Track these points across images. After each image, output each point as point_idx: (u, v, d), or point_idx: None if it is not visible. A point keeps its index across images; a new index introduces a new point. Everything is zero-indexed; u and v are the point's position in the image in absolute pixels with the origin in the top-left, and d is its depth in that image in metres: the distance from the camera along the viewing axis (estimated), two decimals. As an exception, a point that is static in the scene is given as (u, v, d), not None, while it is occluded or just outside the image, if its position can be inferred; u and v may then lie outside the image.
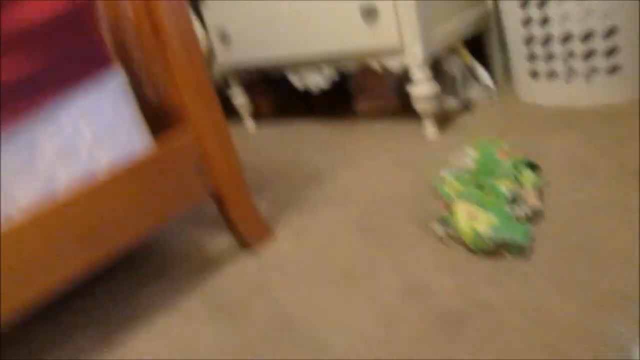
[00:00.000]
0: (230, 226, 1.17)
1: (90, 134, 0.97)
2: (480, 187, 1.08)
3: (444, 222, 1.04)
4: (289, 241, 1.19)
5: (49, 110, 0.92)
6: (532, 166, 1.14)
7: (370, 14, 1.44)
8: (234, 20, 1.79)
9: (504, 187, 1.04)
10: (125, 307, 1.11)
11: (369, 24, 1.46)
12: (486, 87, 1.70)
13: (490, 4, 1.75)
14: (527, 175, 1.10)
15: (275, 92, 2.11)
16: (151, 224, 1.00)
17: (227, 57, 1.89)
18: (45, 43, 0.88)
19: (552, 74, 1.46)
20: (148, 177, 0.99)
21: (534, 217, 1.01)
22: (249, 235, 1.18)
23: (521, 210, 1.01)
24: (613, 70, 1.37)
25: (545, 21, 1.40)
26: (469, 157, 1.19)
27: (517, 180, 1.08)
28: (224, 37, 1.85)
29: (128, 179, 0.96)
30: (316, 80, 1.72)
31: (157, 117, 1.15)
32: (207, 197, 1.11)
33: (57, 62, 0.90)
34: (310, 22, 1.59)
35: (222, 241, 1.26)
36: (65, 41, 0.91)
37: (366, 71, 1.86)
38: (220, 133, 1.10)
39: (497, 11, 1.76)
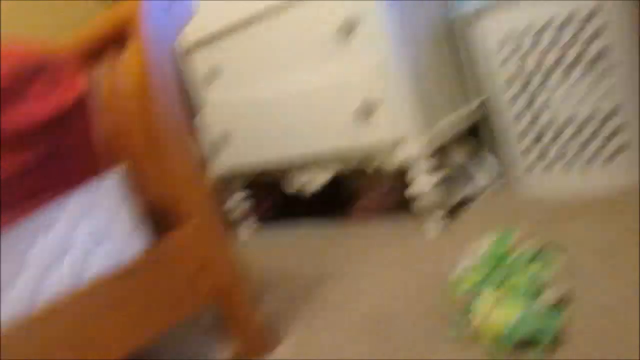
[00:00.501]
0: (232, 332, 1.09)
1: (84, 235, 0.92)
2: (496, 280, 1.02)
3: (458, 320, 0.97)
4: (291, 352, 1.10)
5: (41, 214, 0.88)
6: (549, 253, 1.08)
7: (367, 113, 1.45)
8: (231, 122, 1.81)
9: (522, 278, 0.98)
10: None
11: (366, 123, 1.46)
12: (490, 177, 1.67)
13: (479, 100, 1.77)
14: (547, 263, 1.04)
15: (276, 192, 2.11)
16: (150, 334, 0.93)
17: (227, 161, 1.90)
18: (39, 142, 0.86)
19: (548, 166, 1.45)
20: (144, 280, 0.93)
21: (561, 305, 0.94)
22: (251, 343, 1.10)
23: (546, 300, 0.94)
24: (615, 153, 1.35)
25: (536, 116, 1.41)
26: (482, 249, 1.13)
27: (534, 271, 1.02)
28: (224, 138, 1.86)
29: (126, 280, 0.91)
30: (312, 184, 1.71)
31: (163, 217, 1.11)
32: (208, 302, 1.04)
33: (48, 158, 0.88)
34: (306, 124, 1.61)
35: (219, 353, 1.17)
36: (61, 139, 0.89)
37: (362, 173, 1.86)
38: (217, 231, 1.06)
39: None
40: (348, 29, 1.43)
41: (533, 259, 1.05)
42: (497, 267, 1.08)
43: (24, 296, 0.84)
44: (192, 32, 1.82)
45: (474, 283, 1.04)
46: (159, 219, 1.10)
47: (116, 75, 1.13)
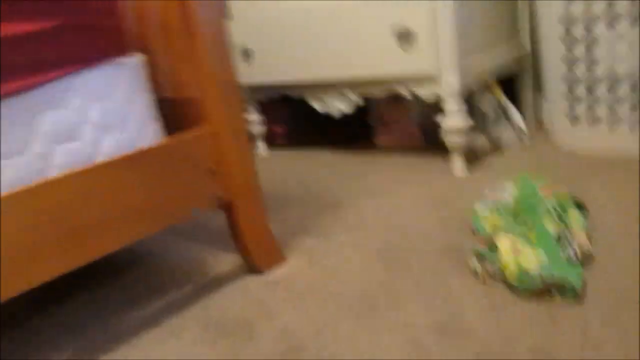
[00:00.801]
0: (239, 242, 1.05)
1: (97, 116, 0.86)
2: (521, 223, 0.97)
3: (482, 257, 0.93)
4: (301, 266, 1.06)
5: (55, 84, 0.82)
6: (579, 206, 1.03)
7: (406, 38, 1.36)
8: (258, 38, 1.72)
9: (551, 225, 0.93)
10: (112, 327, 0.97)
11: (404, 48, 1.38)
12: (518, 128, 1.61)
13: (528, 44, 1.68)
14: (574, 215, 0.99)
15: (290, 117, 2.02)
16: (153, 225, 0.88)
17: (247, 75, 1.81)
18: (59, 5, 0.79)
19: (594, 120, 1.37)
20: (154, 169, 0.88)
21: (584, 259, 0.89)
22: (258, 255, 1.06)
23: (570, 251, 0.89)
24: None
25: (592, 63, 1.32)
26: (507, 191, 1.08)
27: (562, 219, 0.97)
28: (246, 55, 1.77)
29: (130, 168, 0.85)
30: (338, 106, 1.64)
31: (172, 114, 1.05)
32: (216, 205, 0.99)
33: (69, 27, 0.81)
34: (338, 45, 1.51)
35: (226, 260, 1.13)
36: (82, 6, 0.82)
37: (389, 102, 1.79)
38: (239, 137, 1.00)
39: (534, 52, 1.69)
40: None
41: (562, 209, 1.00)
42: (523, 211, 1.03)
43: (33, 164, 0.79)
44: None
45: (498, 223, 1.00)
46: (177, 113, 1.04)
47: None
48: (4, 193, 0.72)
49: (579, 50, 1.33)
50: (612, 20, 1.26)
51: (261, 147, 2.03)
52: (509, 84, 1.72)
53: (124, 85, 0.90)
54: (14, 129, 0.78)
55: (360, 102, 1.59)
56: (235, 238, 1.05)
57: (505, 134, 1.60)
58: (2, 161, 0.76)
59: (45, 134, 0.81)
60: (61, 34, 0.81)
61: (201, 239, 1.27)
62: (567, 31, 1.34)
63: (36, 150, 0.80)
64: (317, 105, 1.70)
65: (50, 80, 0.81)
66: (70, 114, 0.84)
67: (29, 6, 0.77)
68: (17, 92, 0.78)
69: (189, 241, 1.27)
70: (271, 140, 2.07)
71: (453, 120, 1.38)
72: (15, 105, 0.78)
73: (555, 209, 1.00)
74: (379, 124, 1.85)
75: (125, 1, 0.93)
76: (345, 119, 1.84)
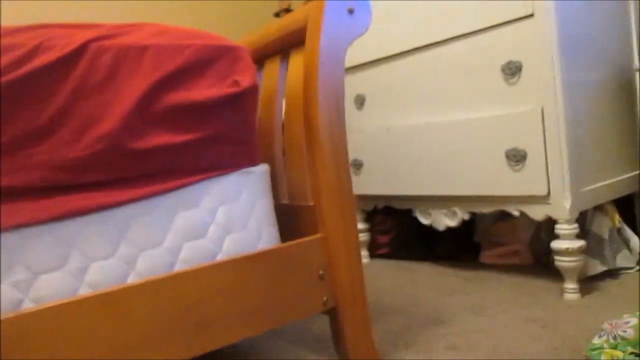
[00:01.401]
0: (341, 348, 1.06)
1: (223, 217, 0.95)
2: (644, 359, 0.91)
3: (598, 392, 0.87)
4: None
5: (192, 188, 0.92)
6: None
7: (516, 157, 1.38)
8: (368, 150, 1.81)
9: (677, 364, 0.86)
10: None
11: (514, 168, 1.40)
12: (635, 252, 1.52)
13: (645, 168, 1.63)
14: None
15: (396, 228, 2.05)
16: (265, 323, 0.92)
17: (356, 185, 1.89)
18: (204, 120, 0.90)
19: None
20: (270, 270, 0.94)
21: None
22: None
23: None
24: None
25: None
26: (629, 325, 1.02)
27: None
28: (356, 166, 1.86)
29: (249, 267, 0.91)
30: (444, 220, 1.65)
31: (289, 219, 1.12)
32: (323, 309, 1.02)
33: (209, 139, 0.92)
34: (447, 162, 1.56)
35: (325, 366, 1.14)
36: (223, 122, 0.93)
37: (497, 219, 1.77)
38: (350, 244, 1.04)
39: (653, 177, 1.64)
40: (513, 71, 1.38)
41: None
42: (646, 347, 0.96)
43: (164, 257, 0.87)
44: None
45: (617, 357, 0.94)
46: (293, 220, 1.11)
47: (274, 77, 1.18)
48: (136, 281, 0.80)
49: None
50: None
51: (364, 255, 2.06)
52: (627, 205, 1.66)
53: (249, 191, 0.99)
54: (152, 225, 0.87)
55: (467, 217, 1.60)
56: (337, 344, 1.06)
57: (621, 258, 1.51)
58: (139, 252, 0.86)
59: (177, 231, 0.90)
60: (201, 145, 0.92)
61: (302, 342, 1.29)
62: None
63: (167, 245, 0.89)
64: (423, 218, 1.73)
65: (188, 185, 0.92)
66: (201, 214, 0.93)
67: (180, 121, 0.89)
68: (159, 193, 0.88)
69: (289, 344, 1.29)
70: (374, 249, 2.09)
71: (564, 242, 1.35)
72: (157, 204, 0.88)
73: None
74: (485, 241, 1.83)
75: (256, 114, 1.04)
76: (451, 233, 1.84)
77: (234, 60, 0.93)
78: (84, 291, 0.79)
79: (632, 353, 0.96)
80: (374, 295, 1.60)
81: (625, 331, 1.01)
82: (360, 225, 2.00)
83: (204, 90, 0.90)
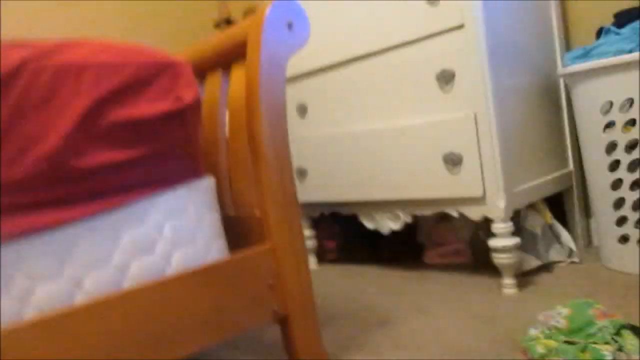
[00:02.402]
0: (292, 356, 1.08)
1: (170, 232, 0.95)
2: (577, 348, 0.97)
3: (536, 381, 0.92)
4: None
5: (137, 204, 0.92)
6: (636, 331, 1.02)
7: (453, 161, 1.44)
8: (312, 159, 1.84)
9: (605, 349, 0.93)
10: None
11: (452, 172, 1.46)
12: (567, 247, 1.62)
13: (574, 163, 1.74)
14: (631, 340, 0.98)
15: (342, 234, 2.09)
16: (216, 335, 0.93)
17: (301, 193, 1.92)
18: (147, 136, 0.91)
19: (633, 240, 1.38)
20: (219, 283, 0.95)
21: (643, 387, 0.88)
22: (310, 369, 1.08)
23: (629, 377, 0.88)
24: None
25: (636, 184, 1.36)
26: (561, 315, 1.09)
27: (618, 345, 0.97)
28: (301, 174, 1.89)
29: (198, 281, 0.92)
30: (388, 223, 1.70)
31: (235, 231, 1.13)
32: (273, 319, 1.04)
33: (153, 155, 0.92)
34: (389, 167, 1.61)
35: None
36: (167, 137, 0.93)
37: (438, 221, 1.84)
38: (298, 252, 1.07)
39: (580, 172, 1.74)
40: (446, 79, 1.44)
41: (617, 333, 1.00)
42: (578, 335, 1.03)
43: (111, 276, 0.87)
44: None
45: (552, 346, 1.00)
46: (240, 232, 1.12)
47: (217, 90, 1.19)
48: (83, 302, 0.80)
49: (622, 172, 1.37)
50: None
51: (312, 262, 2.09)
52: (558, 202, 1.76)
53: (196, 204, 1.00)
54: (98, 243, 0.87)
55: (409, 220, 1.65)
56: (289, 352, 1.08)
57: (554, 254, 1.61)
58: (86, 272, 0.85)
59: (124, 248, 0.90)
60: (145, 161, 0.92)
61: (254, 352, 1.30)
62: (609, 153, 1.39)
63: (115, 263, 0.89)
64: (367, 223, 1.77)
65: (133, 201, 0.92)
66: (148, 230, 0.93)
67: (122, 138, 0.89)
68: (104, 211, 0.88)
69: (242, 354, 1.30)
70: (322, 255, 2.13)
71: (502, 242, 1.42)
72: (102, 222, 0.87)
73: (609, 332, 1.00)
74: (428, 241, 1.89)
75: (199, 128, 1.05)
76: (395, 236, 1.89)
77: (176, 75, 0.93)
78: (30, 315, 0.78)
79: (565, 342, 1.02)
80: (323, 301, 1.63)
81: (558, 321, 1.07)
82: (308, 232, 2.03)
83: (146, 107, 0.90)
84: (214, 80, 1.21)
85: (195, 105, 0.96)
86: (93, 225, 0.86)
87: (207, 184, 1.03)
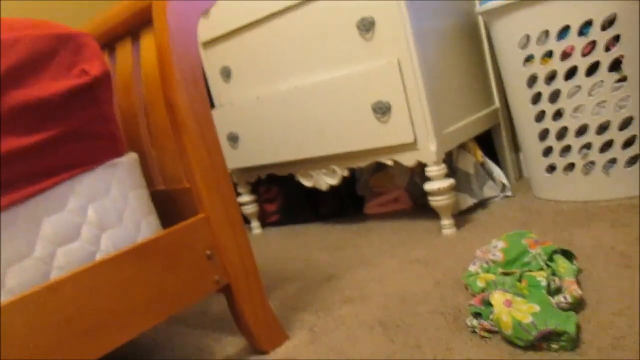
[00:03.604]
0: (241, 324, 1.06)
1: (95, 215, 0.90)
2: (511, 276, 1.01)
3: (478, 315, 0.95)
4: (305, 343, 1.07)
5: (54, 190, 0.86)
6: (567, 254, 1.07)
7: (383, 112, 1.44)
8: (242, 123, 1.79)
9: (540, 275, 0.97)
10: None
11: (382, 122, 1.45)
12: (500, 184, 1.67)
13: (500, 100, 1.77)
14: (563, 264, 1.03)
15: (282, 195, 2.07)
16: (158, 314, 0.90)
17: (235, 159, 1.88)
18: (54, 117, 0.84)
19: (569, 168, 1.43)
20: (154, 260, 0.91)
21: (575, 305, 0.92)
22: (261, 335, 1.07)
23: (561, 298, 0.92)
24: (632, 161, 1.34)
25: (558, 114, 1.40)
26: (497, 249, 1.12)
27: (551, 269, 1.01)
28: (233, 139, 1.84)
29: (130, 262, 0.88)
30: (326, 180, 1.69)
31: (167, 205, 1.10)
32: (216, 289, 1.02)
33: (64, 137, 0.86)
34: (319, 123, 1.59)
35: (231, 344, 1.14)
36: (77, 116, 0.87)
37: (375, 171, 1.85)
38: (233, 219, 1.04)
39: (505, 108, 1.78)
40: (367, 27, 1.42)
41: (550, 259, 1.04)
42: (514, 265, 1.07)
43: (36, 268, 0.82)
44: (202, 32, 1.82)
45: (489, 280, 1.03)
46: (172, 205, 1.09)
47: (128, 61, 1.12)
48: (7, 300, 0.75)
49: (544, 104, 1.41)
50: (569, 74, 1.35)
51: (255, 226, 2.07)
52: (487, 139, 1.80)
53: (118, 183, 0.95)
54: (17, 236, 0.81)
55: (346, 173, 1.65)
56: (237, 320, 1.07)
57: (487, 189, 1.65)
58: (5, 268, 0.80)
59: (46, 238, 0.85)
60: (57, 144, 0.86)
61: (203, 325, 1.28)
62: (530, 86, 1.43)
63: (38, 254, 0.84)
64: (305, 181, 1.76)
65: (49, 188, 0.86)
66: (70, 216, 0.88)
67: (26, 121, 0.82)
68: (18, 202, 0.82)
69: (191, 328, 1.28)
70: (264, 219, 2.11)
71: (436, 184, 1.44)
72: (17, 214, 0.82)
73: (542, 259, 1.04)
74: (367, 193, 1.90)
75: (112, 103, 0.99)
76: (334, 191, 1.89)
77: (78, 48, 0.87)
78: (-52, 321, 0.73)
79: (502, 273, 1.06)
80: (268, 264, 1.62)
81: (494, 255, 1.11)
82: (247, 197, 2.00)
83: (48, 85, 0.84)
84: (124, 51, 1.14)
85: (105, 78, 0.90)
86: (9, 218, 0.81)
87: (129, 160, 0.98)
